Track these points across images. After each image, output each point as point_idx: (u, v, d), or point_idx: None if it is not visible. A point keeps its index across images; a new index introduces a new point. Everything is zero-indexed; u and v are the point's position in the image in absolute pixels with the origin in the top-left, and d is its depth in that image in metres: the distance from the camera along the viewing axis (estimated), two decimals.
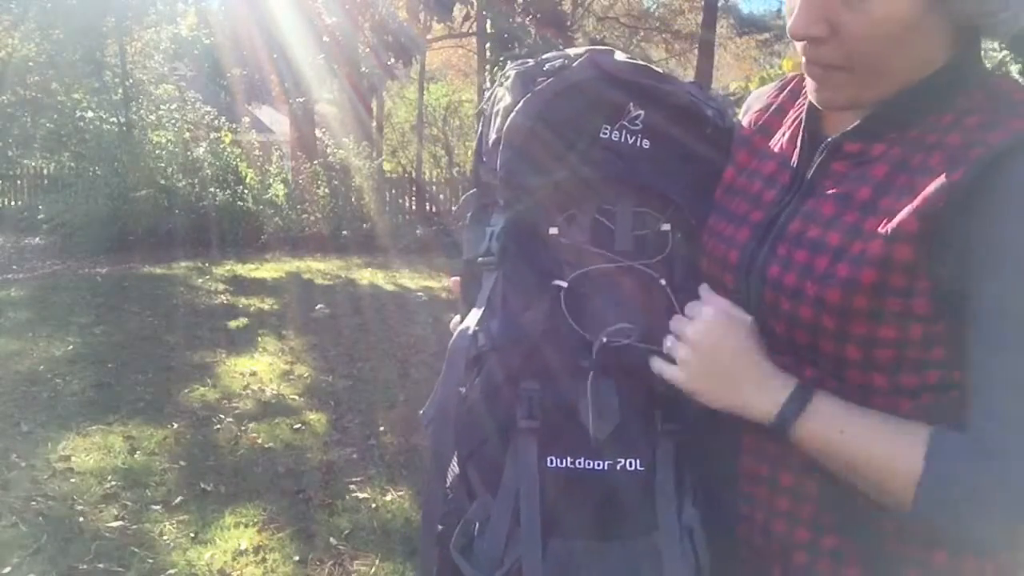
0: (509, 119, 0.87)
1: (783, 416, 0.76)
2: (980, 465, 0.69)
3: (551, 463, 0.82)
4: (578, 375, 0.83)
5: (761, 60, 21.21)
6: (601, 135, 0.86)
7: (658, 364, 0.82)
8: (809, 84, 0.80)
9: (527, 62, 0.92)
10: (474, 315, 0.89)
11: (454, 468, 0.88)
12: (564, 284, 0.85)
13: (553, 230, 0.87)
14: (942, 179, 0.70)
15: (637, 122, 0.86)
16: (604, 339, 0.83)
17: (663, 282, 0.87)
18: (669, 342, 0.82)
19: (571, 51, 0.90)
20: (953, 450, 0.71)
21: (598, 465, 0.82)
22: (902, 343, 0.73)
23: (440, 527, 0.86)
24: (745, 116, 0.95)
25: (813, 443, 0.76)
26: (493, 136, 0.90)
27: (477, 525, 0.84)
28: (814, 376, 0.78)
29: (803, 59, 0.78)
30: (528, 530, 0.80)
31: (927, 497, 0.70)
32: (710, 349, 0.79)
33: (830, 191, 0.79)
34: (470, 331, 0.87)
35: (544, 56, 0.91)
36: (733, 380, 0.79)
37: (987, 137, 0.70)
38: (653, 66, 0.90)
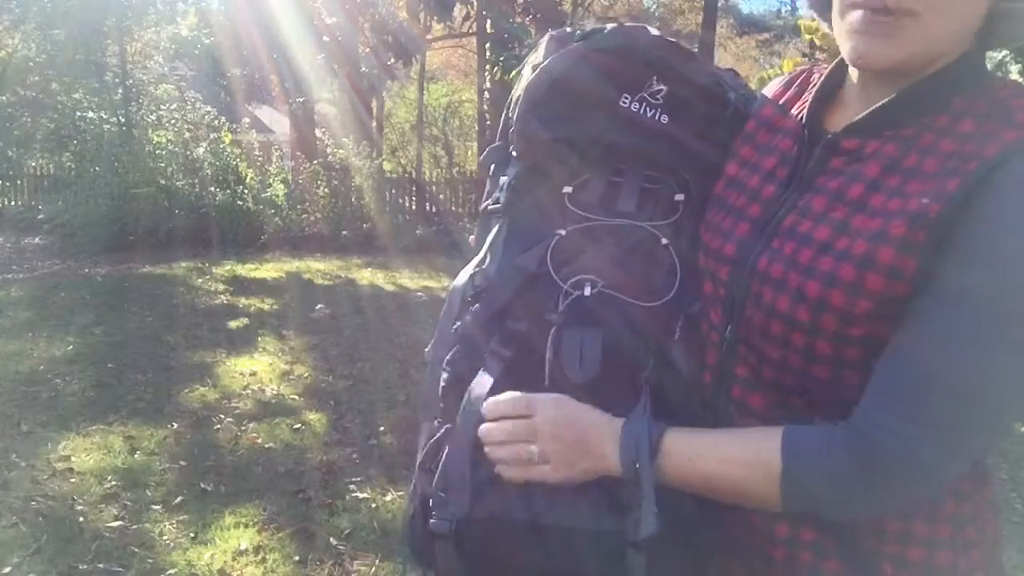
0: (533, 75, 0.90)
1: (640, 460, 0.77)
2: (841, 448, 0.72)
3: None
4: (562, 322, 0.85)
5: (761, 60, 21.24)
6: (621, 103, 0.88)
7: (523, 472, 0.81)
8: (864, 41, 0.75)
9: (566, 28, 0.95)
10: (476, 259, 0.92)
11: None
12: (562, 232, 0.87)
13: (567, 189, 0.89)
14: (936, 189, 0.70)
15: (659, 96, 0.88)
16: (568, 288, 0.85)
17: (665, 241, 0.88)
18: (535, 448, 0.81)
19: (610, 23, 0.93)
20: (809, 439, 0.74)
21: None
22: (870, 342, 0.73)
23: (424, 452, 0.90)
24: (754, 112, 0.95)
25: (668, 477, 0.78)
26: (518, 92, 0.93)
27: (446, 449, 0.86)
28: (770, 377, 0.79)
29: (867, 11, 0.74)
30: (459, 440, 0.82)
31: (791, 491, 0.74)
32: (571, 433, 0.80)
33: (824, 187, 0.79)
34: (469, 273, 0.91)
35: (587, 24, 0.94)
36: (589, 445, 0.80)
37: (983, 150, 0.70)
38: (683, 46, 0.91)
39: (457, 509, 0.81)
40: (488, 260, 0.91)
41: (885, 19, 0.73)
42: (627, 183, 0.88)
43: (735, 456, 0.77)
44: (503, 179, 0.94)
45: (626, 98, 0.88)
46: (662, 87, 0.88)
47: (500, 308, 0.86)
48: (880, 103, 0.78)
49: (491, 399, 0.83)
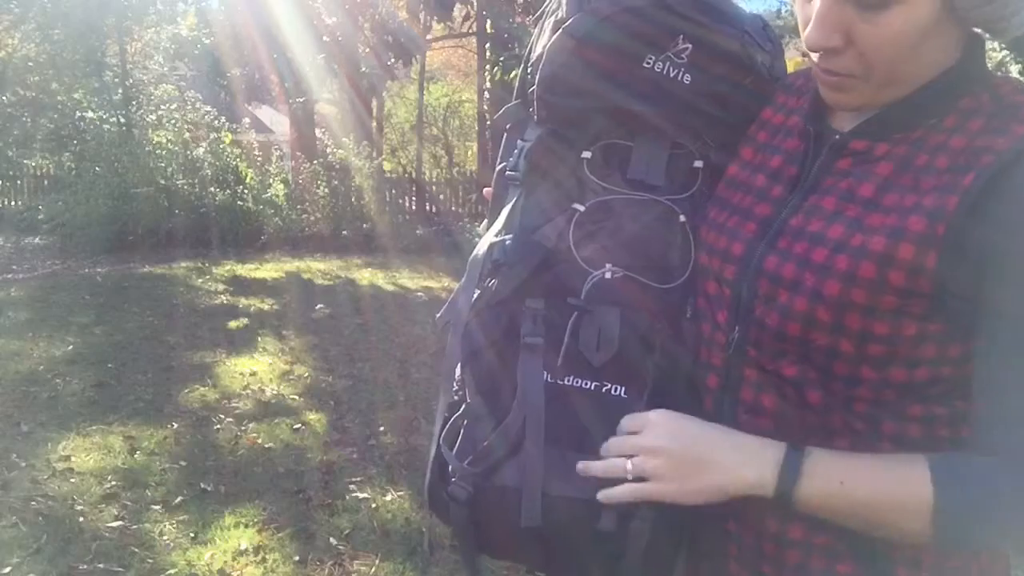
0: (555, 36, 0.86)
1: (783, 484, 0.74)
2: (999, 478, 0.69)
3: (544, 377, 0.84)
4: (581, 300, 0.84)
5: None
6: (645, 64, 0.85)
7: (628, 489, 0.78)
8: (823, 89, 0.79)
9: None
10: (494, 228, 0.91)
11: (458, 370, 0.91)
12: (581, 208, 0.85)
13: (586, 154, 0.87)
14: (952, 182, 0.70)
15: (683, 55, 0.85)
16: (588, 270, 0.84)
17: (683, 219, 0.87)
18: (629, 465, 0.78)
19: None
20: (961, 471, 0.71)
21: (586, 384, 0.84)
22: (894, 339, 0.73)
23: (442, 421, 0.89)
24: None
25: (813, 502, 0.74)
26: (538, 50, 0.90)
27: (464, 423, 0.86)
28: (795, 375, 0.78)
29: (817, 66, 0.77)
30: (533, 439, 0.80)
31: (947, 524, 0.70)
32: (677, 445, 0.77)
33: (833, 187, 0.79)
34: (488, 244, 0.89)
35: None
36: (713, 462, 0.76)
37: (994, 143, 0.70)
38: (712, 2, 0.87)
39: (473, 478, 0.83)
40: (506, 232, 0.89)
41: (833, 78, 0.75)
42: (651, 151, 0.86)
43: (884, 484, 0.72)
44: (520, 143, 0.91)
45: (650, 59, 0.84)
46: (687, 45, 0.84)
47: (517, 286, 0.85)
48: (889, 105, 0.77)
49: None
